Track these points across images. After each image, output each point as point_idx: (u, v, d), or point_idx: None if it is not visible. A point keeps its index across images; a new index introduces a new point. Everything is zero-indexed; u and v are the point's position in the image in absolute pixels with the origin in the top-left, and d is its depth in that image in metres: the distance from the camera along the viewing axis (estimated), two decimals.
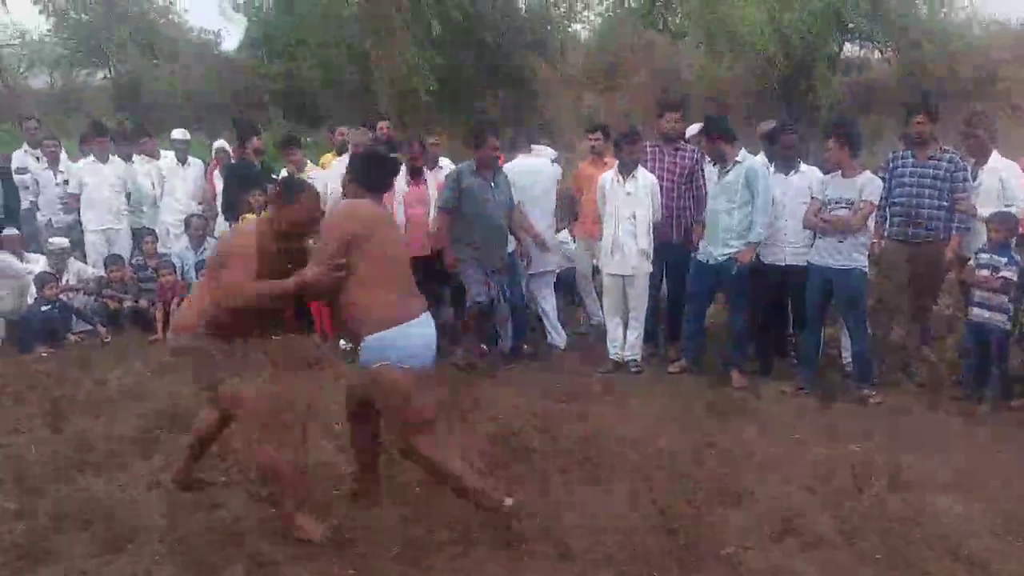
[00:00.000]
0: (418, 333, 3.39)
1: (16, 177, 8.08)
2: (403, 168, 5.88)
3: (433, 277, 6.18)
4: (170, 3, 28.90)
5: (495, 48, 18.23)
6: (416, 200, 6.44)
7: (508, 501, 3.41)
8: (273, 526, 3.54)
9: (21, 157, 8.23)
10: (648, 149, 6.30)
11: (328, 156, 8.05)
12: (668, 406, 5.29)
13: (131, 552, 3.44)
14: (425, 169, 6.61)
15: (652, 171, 6.17)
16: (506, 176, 6.21)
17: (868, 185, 5.38)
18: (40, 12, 29.02)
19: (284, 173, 7.93)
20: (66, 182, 7.93)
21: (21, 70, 29.21)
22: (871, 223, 5.55)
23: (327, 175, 6.89)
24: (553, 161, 7.02)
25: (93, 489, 4.00)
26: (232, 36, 33.91)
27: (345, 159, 6.54)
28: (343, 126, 8.35)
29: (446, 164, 7.08)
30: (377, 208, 3.57)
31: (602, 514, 3.68)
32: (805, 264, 5.64)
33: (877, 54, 18.70)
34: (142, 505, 3.87)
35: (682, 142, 6.43)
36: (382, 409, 3.48)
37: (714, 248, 5.78)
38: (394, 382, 3.29)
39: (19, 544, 3.43)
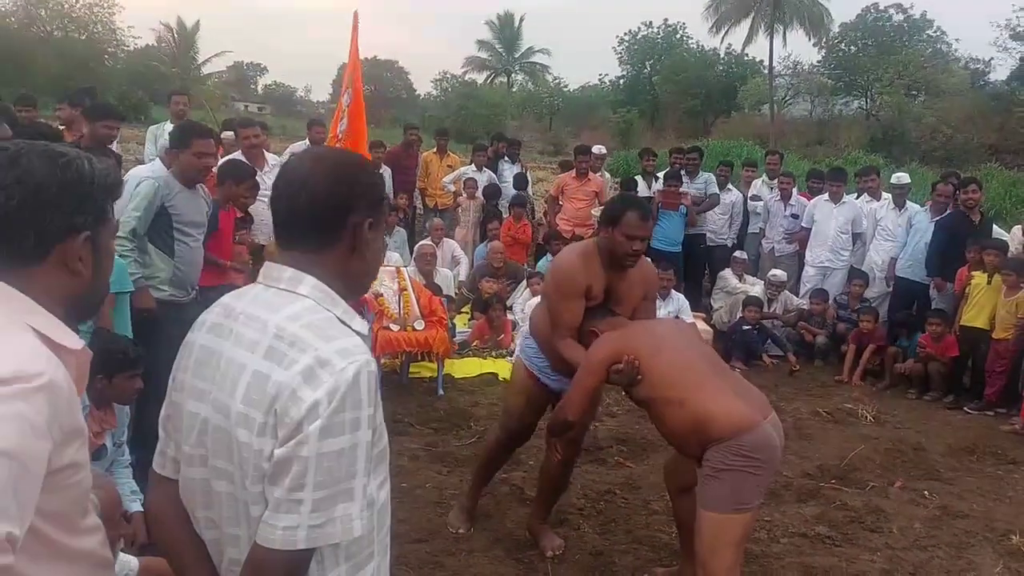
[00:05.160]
0: None
1: (750, 203, 8.81)
2: None
3: None
4: (942, 33, 28.06)
5: None
6: None
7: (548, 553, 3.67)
8: None
9: (758, 185, 8.96)
10: None
11: None
12: None
13: None
14: None
15: None
16: None
17: None
18: (814, 45, 31.48)
19: None
20: (794, 215, 8.27)
21: (786, 99, 32.09)
22: None
23: None
24: None
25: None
26: (1003, 67, 31.03)
27: None
28: None
29: None
30: None
31: None
32: None
33: None
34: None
35: None
36: None
37: None
38: None
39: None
